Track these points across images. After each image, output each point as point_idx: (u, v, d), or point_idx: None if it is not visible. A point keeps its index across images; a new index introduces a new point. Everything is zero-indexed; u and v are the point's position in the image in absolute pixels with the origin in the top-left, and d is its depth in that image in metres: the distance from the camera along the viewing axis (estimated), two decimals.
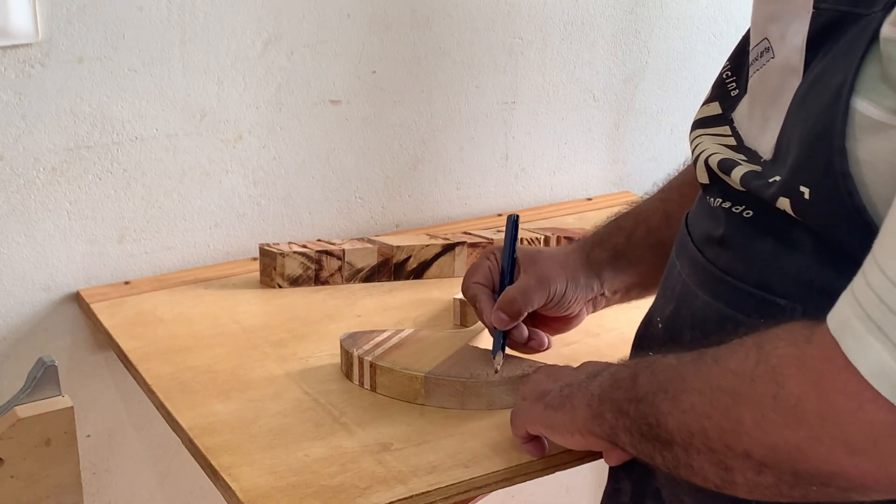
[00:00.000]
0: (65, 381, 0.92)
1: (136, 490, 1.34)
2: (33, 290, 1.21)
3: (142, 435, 1.31)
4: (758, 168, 0.75)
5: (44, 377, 0.89)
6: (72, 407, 0.89)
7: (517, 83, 1.43)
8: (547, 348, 1.03)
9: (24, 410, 0.87)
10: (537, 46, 1.43)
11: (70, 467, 0.90)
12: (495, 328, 1.00)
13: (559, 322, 1.04)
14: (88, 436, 1.28)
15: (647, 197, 1.07)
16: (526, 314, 0.99)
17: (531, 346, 1.02)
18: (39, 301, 1.22)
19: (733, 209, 0.78)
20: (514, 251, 1.03)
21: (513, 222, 1.04)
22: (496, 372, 0.98)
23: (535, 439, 0.88)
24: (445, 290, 1.20)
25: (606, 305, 1.05)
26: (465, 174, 1.45)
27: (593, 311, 1.05)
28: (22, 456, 0.87)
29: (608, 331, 1.13)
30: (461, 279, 1.19)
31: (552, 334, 1.04)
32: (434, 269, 1.27)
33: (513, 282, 1.01)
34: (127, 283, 1.25)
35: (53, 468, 0.89)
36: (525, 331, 1.01)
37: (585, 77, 1.48)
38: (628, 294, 1.05)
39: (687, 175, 1.03)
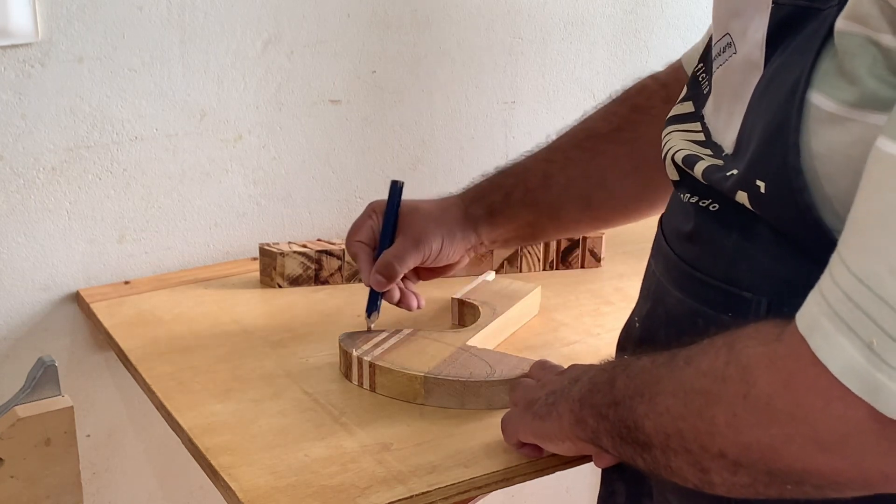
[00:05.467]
0: (65, 381, 0.92)
1: (136, 490, 1.34)
2: (33, 290, 1.21)
3: (142, 435, 1.31)
4: (720, 162, 0.76)
5: (44, 377, 0.89)
6: (72, 407, 0.89)
7: (517, 83, 1.44)
8: (418, 308, 1.09)
9: (24, 410, 0.87)
10: (537, 46, 1.43)
11: (70, 467, 0.90)
12: (371, 289, 1.06)
13: (440, 269, 1.10)
14: (88, 436, 1.28)
15: (534, 152, 1.10)
16: (402, 275, 1.05)
17: (401, 306, 1.08)
18: (39, 301, 1.22)
19: (700, 203, 0.79)
20: (395, 217, 1.07)
21: (397, 190, 1.08)
22: (369, 330, 1.05)
23: (529, 443, 0.88)
24: (445, 290, 1.20)
25: (487, 252, 1.14)
26: (465, 174, 1.44)
27: (474, 256, 1.11)
28: (22, 456, 0.87)
29: (608, 331, 1.13)
30: (461, 279, 1.20)
31: (435, 277, 1.11)
32: None
33: (392, 243, 1.06)
34: (127, 282, 1.25)
35: (53, 468, 0.89)
36: (397, 292, 1.07)
37: (585, 77, 1.48)
38: (507, 244, 1.14)
39: (576, 137, 1.08)
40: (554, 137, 1.09)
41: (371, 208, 1.09)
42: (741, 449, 0.63)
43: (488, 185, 1.09)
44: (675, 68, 1.06)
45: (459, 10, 1.36)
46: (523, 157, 1.10)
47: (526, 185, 1.07)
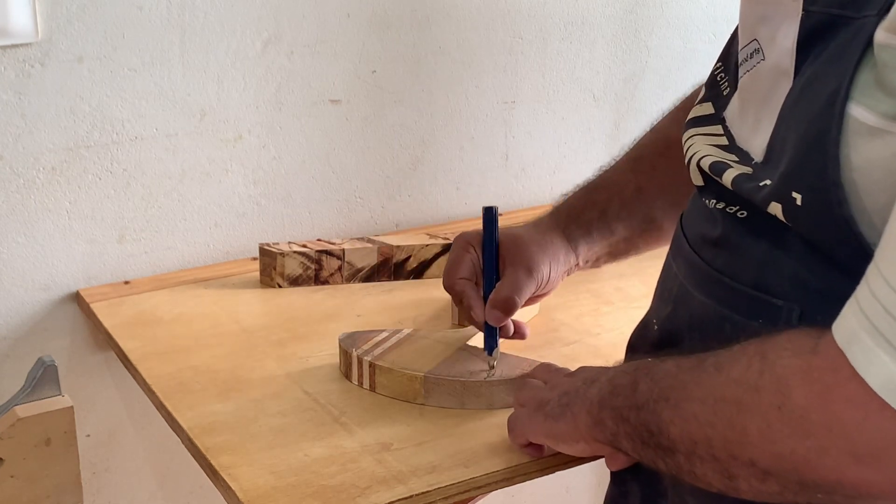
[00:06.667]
0: (65, 381, 0.92)
1: (136, 490, 1.34)
2: (33, 290, 1.21)
3: (142, 435, 1.31)
4: (749, 170, 0.75)
5: (44, 377, 0.89)
6: (72, 407, 0.89)
7: (517, 83, 1.43)
8: (527, 335, 1.06)
9: (24, 410, 0.87)
10: (537, 46, 1.43)
11: (70, 467, 0.90)
12: (487, 325, 1.01)
13: (537, 297, 1.06)
14: (88, 436, 1.28)
15: (616, 164, 1.08)
16: (520, 307, 1.01)
17: (515, 338, 1.05)
18: (39, 301, 1.22)
19: (727, 210, 0.78)
20: (496, 244, 1.03)
21: (493, 214, 1.04)
22: (491, 368, 0.99)
23: (533, 443, 0.88)
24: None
25: (576, 271, 1.09)
26: (465, 174, 1.45)
27: (565, 278, 1.08)
28: (22, 456, 0.87)
29: (608, 330, 1.13)
30: None
31: (528, 305, 1.07)
32: (434, 268, 1.27)
33: (498, 274, 1.02)
34: (127, 282, 1.25)
35: (53, 468, 0.89)
36: (511, 326, 1.03)
37: (585, 77, 1.48)
38: (597, 262, 1.09)
39: (656, 146, 1.05)
40: (629, 150, 1.07)
41: (465, 241, 1.04)
42: (773, 459, 0.63)
43: (580, 204, 1.07)
44: None
45: (459, 9, 1.36)
46: (607, 172, 1.08)
47: (620, 198, 1.04)
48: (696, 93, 1.03)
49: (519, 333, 1.05)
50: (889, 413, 0.57)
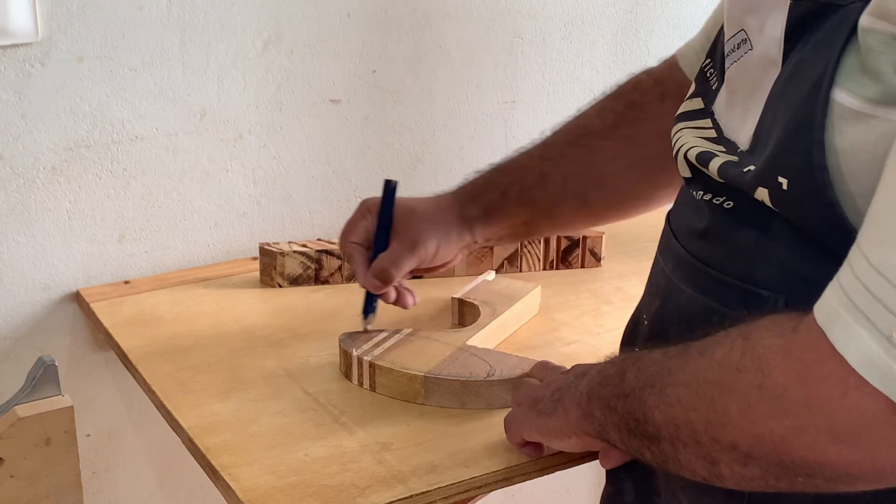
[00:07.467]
0: (65, 381, 0.92)
1: (136, 490, 1.34)
2: (33, 290, 1.21)
3: (142, 435, 1.31)
4: (735, 159, 0.76)
5: (44, 377, 0.89)
6: (72, 406, 0.89)
7: (517, 82, 1.43)
8: (413, 304, 1.09)
9: (24, 410, 0.87)
10: (537, 45, 1.43)
11: (70, 467, 0.90)
12: (367, 290, 1.06)
13: (433, 268, 1.09)
14: (88, 435, 1.28)
15: (529, 148, 1.10)
16: (398, 279, 1.05)
17: (398, 305, 1.08)
18: (39, 300, 1.22)
19: (714, 201, 0.78)
20: (390, 218, 1.06)
21: (391, 189, 1.06)
22: (366, 331, 1.06)
23: (532, 442, 0.88)
24: (445, 289, 1.20)
25: (480, 248, 1.14)
26: (465, 174, 1.44)
27: (469, 253, 1.13)
28: (22, 455, 0.87)
29: (608, 330, 1.13)
30: (461, 279, 1.20)
31: (427, 275, 1.13)
32: None
33: (387, 244, 1.05)
34: (127, 282, 1.25)
35: (53, 468, 0.89)
36: (393, 293, 1.07)
37: (585, 76, 1.48)
38: (500, 241, 1.13)
39: (571, 133, 1.07)
40: (549, 133, 1.09)
41: (365, 207, 1.08)
42: (753, 440, 0.63)
43: (483, 184, 1.08)
44: (671, 65, 1.06)
45: (459, 9, 1.36)
46: (518, 154, 1.09)
47: (522, 183, 1.06)
48: (628, 83, 1.05)
49: (401, 301, 1.08)
50: (868, 390, 0.57)
